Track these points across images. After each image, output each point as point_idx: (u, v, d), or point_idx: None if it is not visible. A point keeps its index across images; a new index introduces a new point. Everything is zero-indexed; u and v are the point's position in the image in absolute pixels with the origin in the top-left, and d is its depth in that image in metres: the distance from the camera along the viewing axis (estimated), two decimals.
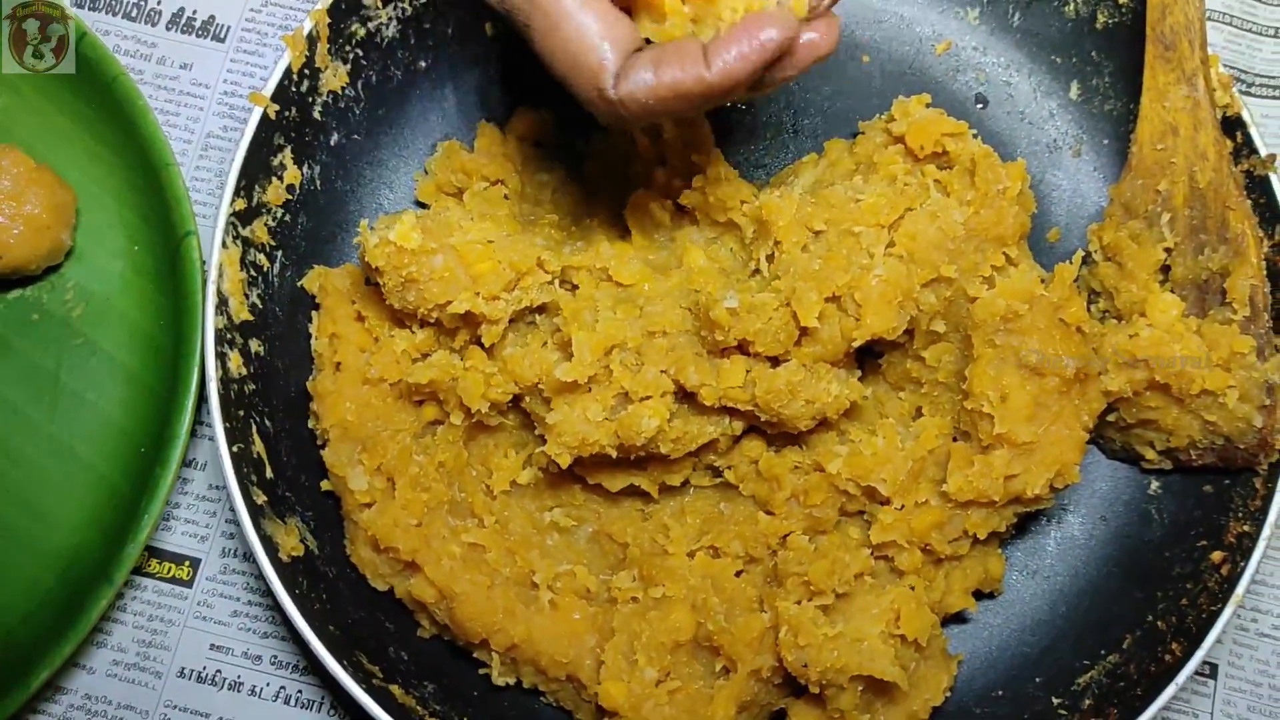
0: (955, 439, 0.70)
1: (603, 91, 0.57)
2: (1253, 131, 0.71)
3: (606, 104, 0.57)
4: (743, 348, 0.67)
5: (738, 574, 0.69)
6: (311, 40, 0.71)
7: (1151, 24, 0.70)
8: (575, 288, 0.71)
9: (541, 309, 0.70)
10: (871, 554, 0.69)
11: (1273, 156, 0.70)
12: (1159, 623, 0.69)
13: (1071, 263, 0.68)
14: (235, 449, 0.66)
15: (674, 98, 0.56)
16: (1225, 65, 0.82)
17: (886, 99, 0.76)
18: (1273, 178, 0.70)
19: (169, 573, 0.75)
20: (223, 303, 0.68)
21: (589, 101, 0.58)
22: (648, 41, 0.58)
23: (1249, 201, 0.70)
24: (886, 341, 0.69)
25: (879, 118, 0.76)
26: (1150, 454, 0.72)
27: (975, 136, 0.73)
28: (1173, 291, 0.70)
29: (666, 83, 0.56)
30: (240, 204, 0.69)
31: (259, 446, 0.68)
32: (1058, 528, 0.75)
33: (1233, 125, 0.71)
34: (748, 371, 0.67)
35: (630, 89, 0.57)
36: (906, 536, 0.68)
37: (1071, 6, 0.77)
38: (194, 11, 0.82)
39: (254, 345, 0.70)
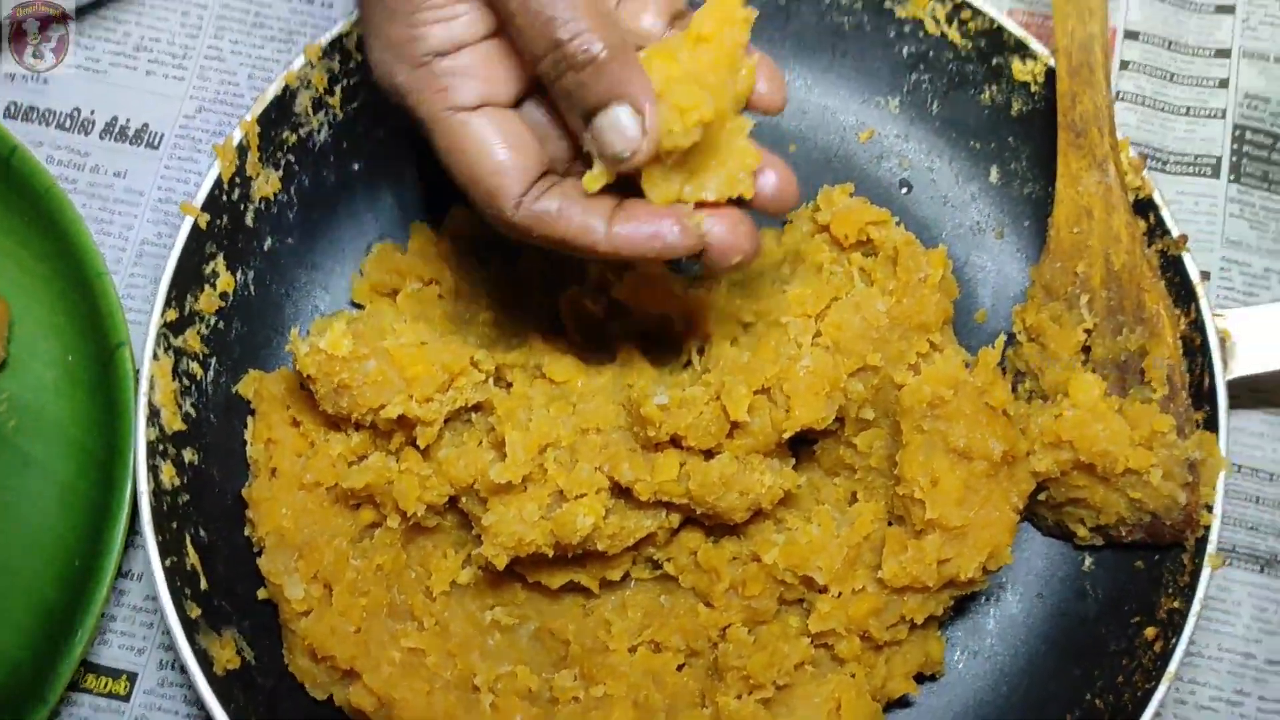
0: (890, 523, 0.71)
1: (500, 213, 0.58)
2: (1164, 213, 0.73)
3: (505, 224, 0.58)
4: (676, 442, 0.67)
5: (679, 668, 0.70)
6: (242, 149, 0.72)
7: (1062, 112, 0.73)
8: (510, 385, 0.71)
9: (477, 407, 0.70)
10: (811, 643, 0.69)
11: (1184, 237, 0.72)
12: (1097, 700, 0.70)
13: (994, 347, 0.70)
14: (168, 563, 0.65)
15: (564, 242, 0.58)
16: (1140, 145, 0.85)
17: (814, 187, 0.78)
18: (1186, 257, 0.72)
19: (105, 688, 0.74)
20: (154, 414, 0.68)
21: (487, 218, 0.59)
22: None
23: (1163, 282, 0.72)
24: (819, 429, 0.70)
25: (806, 206, 0.77)
26: (1082, 531, 0.73)
27: (899, 224, 0.75)
28: (1094, 371, 0.72)
29: (562, 227, 0.58)
30: (172, 315, 0.69)
31: (193, 558, 0.68)
32: (996, 606, 0.76)
33: (1145, 207, 0.73)
34: (682, 465, 0.67)
35: (529, 216, 0.58)
36: (845, 624, 0.69)
37: (987, 95, 0.79)
38: (127, 120, 0.83)
39: (188, 455, 0.70)
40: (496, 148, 0.57)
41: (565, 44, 0.54)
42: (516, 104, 0.60)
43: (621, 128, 0.54)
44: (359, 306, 0.78)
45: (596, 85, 0.54)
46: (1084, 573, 0.75)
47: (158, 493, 0.67)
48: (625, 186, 0.58)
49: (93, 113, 0.83)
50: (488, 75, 0.58)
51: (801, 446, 0.74)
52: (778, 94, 0.61)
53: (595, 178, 0.56)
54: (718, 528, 0.71)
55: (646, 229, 0.57)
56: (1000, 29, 0.76)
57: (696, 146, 0.56)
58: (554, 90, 0.56)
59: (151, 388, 0.68)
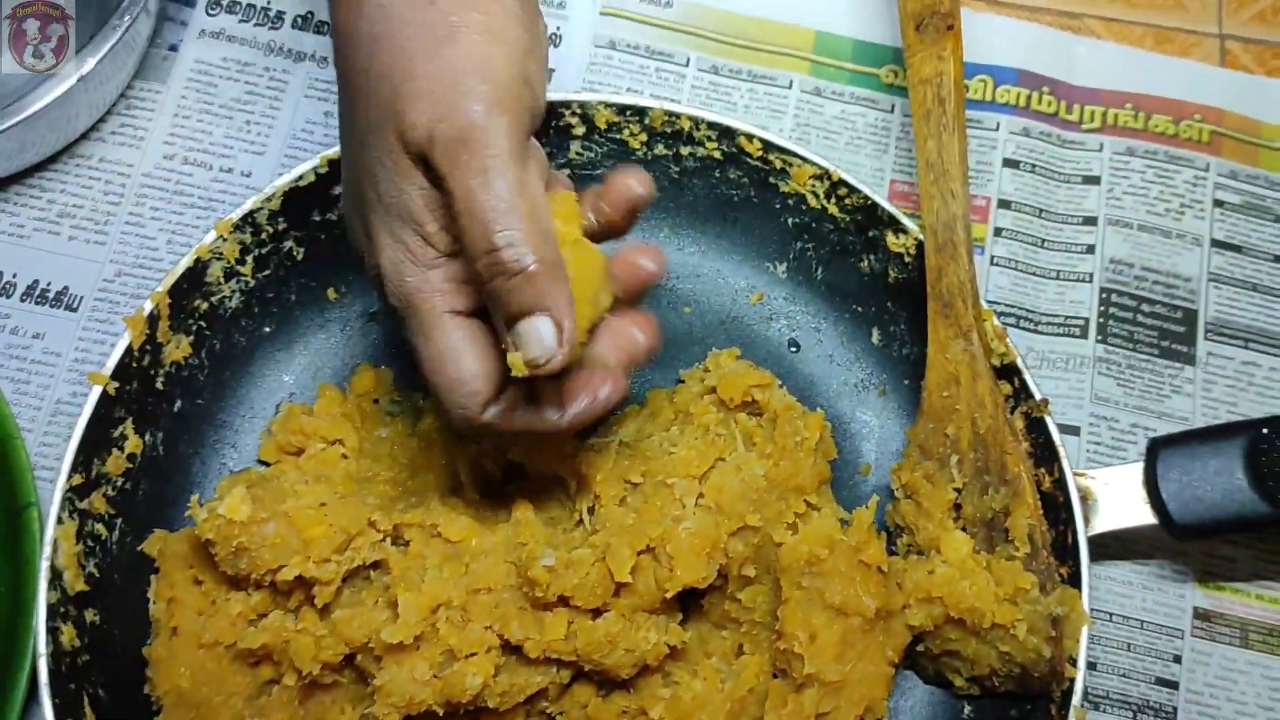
0: (775, 676, 0.73)
1: (469, 417, 0.62)
2: (1027, 377, 0.78)
3: (468, 425, 0.63)
4: (564, 601, 0.70)
5: None
6: (153, 319, 0.75)
7: (930, 284, 0.78)
8: (407, 544, 0.74)
9: (375, 565, 0.73)
10: None
11: (1045, 400, 0.77)
12: None
13: (868, 507, 0.73)
14: None
15: (529, 432, 0.64)
16: (1013, 306, 0.90)
17: (706, 347, 0.83)
18: (1048, 418, 0.77)
19: None
20: (57, 577, 0.70)
21: (455, 420, 0.63)
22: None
23: (1025, 444, 0.76)
24: (702, 587, 0.73)
25: (697, 367, 0.82)
26: (959, 681, 0.76)
27: (781, 388, 0.79)
28: (965, 529, 0.76)
29: (524, 420, 0.63)
30: (78, 479, 0.72)
31: (90, 719, 0.69)
32: None
33: (1010, 372, 0.78)
34: (570, 624, 0.70)
35: (493, 417, 0.62)
36: None
37: (866, 263, 0.84)
38: (48, 283, 0.86)
39: (89, 615, 0.72)
40: (477, 357, 0.61)
41: (499, 251, 0.57)
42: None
43: (541, 337, 0.58)
44: (266, 464, 0.80)
45: (523, 294, 0.58)
46: (964, 719, 0.78)
47: (56, 655, 0.69)
48: None
49: (15, 276, 0.86)
50: (466, 290, 0.62)
51: (690, 600, 0.77)
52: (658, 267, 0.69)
53: (517, 368, 0.60)
54: (607, 682, 0.73)
55: (588, 400, 0.64)
56: (874, 205, 0.82)
57: None
58: (485, 290, 0.60)
59: (55, 551, 0.70)
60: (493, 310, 0.61)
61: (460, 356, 0.61)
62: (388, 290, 0.63)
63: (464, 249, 0.59)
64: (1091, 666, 0.81)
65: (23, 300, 0.85)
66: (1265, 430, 0.74)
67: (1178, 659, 0.82)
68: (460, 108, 0.57)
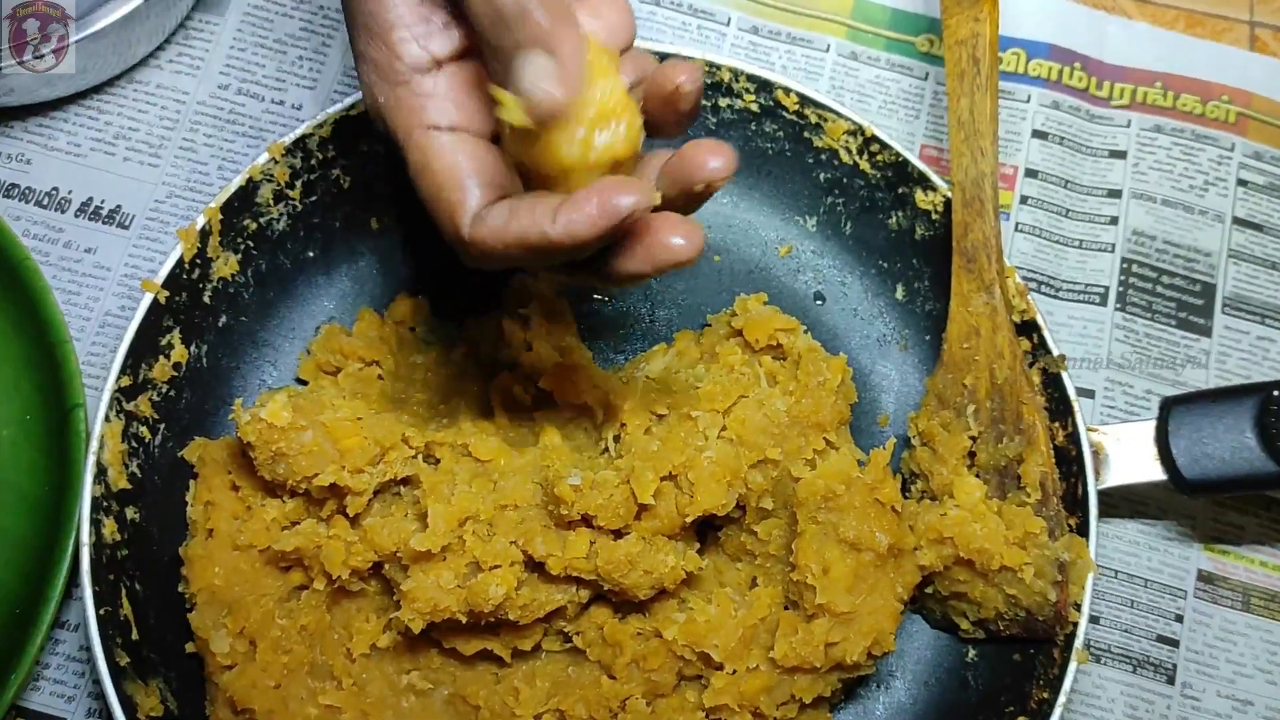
0: (786, 607, 0.76)
1: (458, 229, 0.59)
2: (1046, 334, 0.80)
3: (460, 242, 0.60)
4: (587, 521, 0.72)
5: None
6: (204, 234, 0.78)
7: (956, 239, 0.80)
8: (437, 462, 0.76)
9: (406, 481, 0.76)
10: (706, 717, 0.74)
11: (1062, 356, 0.79)
12: None
13: (885, 448, 0.76)
14: (103, 611, 0.70)
15: (519, 247, 0.58)
16: (1035, 272, 0.92)
17: (734, 295, 0.85)
18: (1064, 375, 0.79)
19: None
20: (102, 472, 0.73)
21: (448, 238, 0.61)
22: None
23: (1041, 396, 0.78)
24: (722, 516, 0.75)
25: (725, 312, 0.84)
26: (965, 624, 0.78)
27: (807, 332, 0.81)
28: (977, 475, 0.78)
29: (514, 232, 0.57)
30: (126, 381, 0.75)
31: (127, 609, 0.72)
32: (885, 693, 0.80)
33: (1029, 328, 0.80)
34: (591, 543, 0.72)
35: (481, 232, 0.59)
36: (737, 700, 0.73)
37: (894, 219, 0.87)
38: (102, 201, 0.89)
39: (130, 512, 0.75)
40: (460, 167, 0.59)
41: (498, 2, 0.54)
42: (495, 141, 0.62)
43: (538, 71, 0.54)
44: (304, 383, 0.83)
45: (521, 31, 0.54)
46: (967, 664, 0.80)
47: (98, 545, 0.72)
48: None
49: (70, 193, 0.89)
50: (462, 102, 0.61)
51: (708, 532, 0.79)
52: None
53: (508, 106, 0.55)
54: (624, 604, 0.75)
55: (595, 202, 0.55)
56: (905, 162, 0.84)
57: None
58: (493, 57, 0.57)
59: (101, 447, 0.73)
60: (491, 66, 0.57)
61: (440, 168, 0.59)
62: (369, 113, 0.62)
63: (473, 24, 0.57)
64: (1095, 621, 0.83)
65: (77, 216, 0.88)
66: (1276, 393, 0.76)
67: (1179, 618, 0.84)
68: None
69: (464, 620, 0.71)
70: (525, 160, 0.59)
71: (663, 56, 0.85)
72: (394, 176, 0.69)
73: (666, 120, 0.60)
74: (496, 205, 0.59)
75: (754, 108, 0.87)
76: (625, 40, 0.62)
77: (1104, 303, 0.92)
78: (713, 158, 0.58)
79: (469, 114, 0.61)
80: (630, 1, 0.96)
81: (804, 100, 0.85)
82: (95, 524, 0.72)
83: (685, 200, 0.60)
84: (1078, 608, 0.74)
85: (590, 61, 0.56)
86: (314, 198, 0.83)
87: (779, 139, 0.88)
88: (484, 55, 0.58)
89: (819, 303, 0.89)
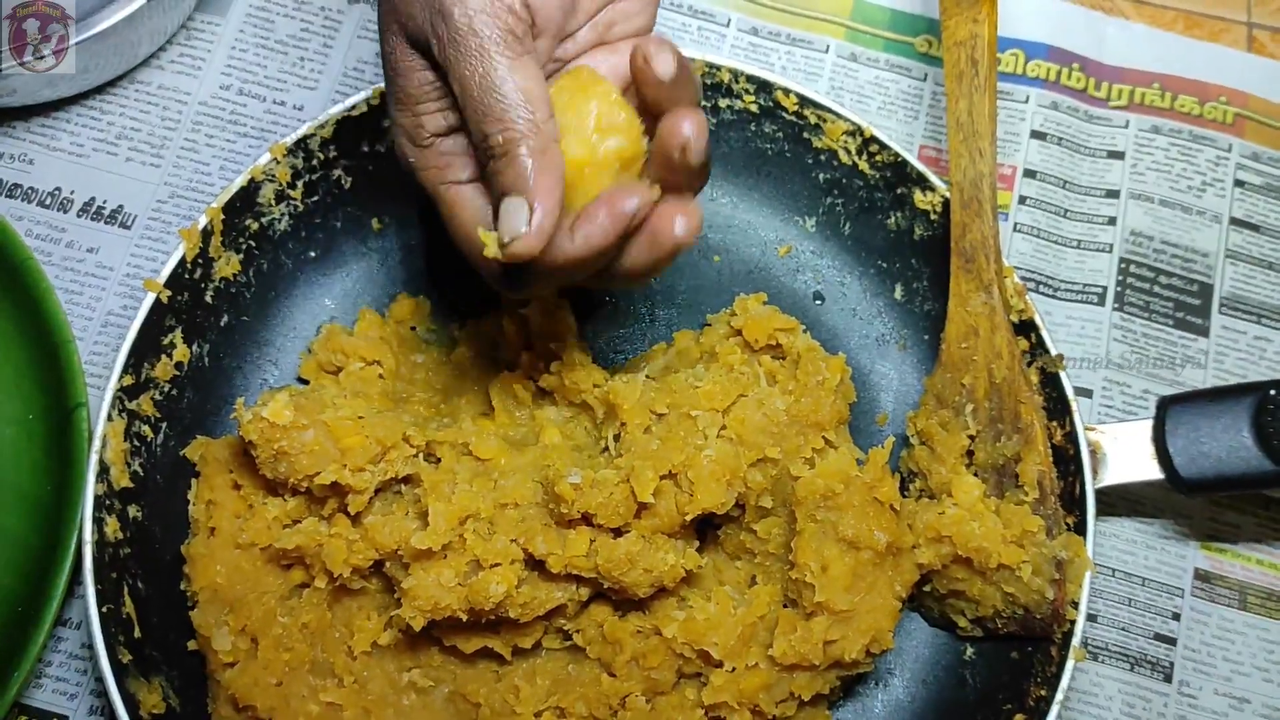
0: (785, 606, 0.76)
1: (489, 265, 0.64)
2: (1044, 333, 0.80)
3: (493, 275, 0.66)
4: (588, 520, 0.73)
5: None
6: (206, 234, 0.79)
7: (954, 239, 0.80)
8: (438, 461, 0.77)
9: (407, 479, 0.76)
10: (705, 715, 0.74)
11: (1060, 356, 0.79)
12: None
13: (884, 447, 0.76)
14: (105, 610, 0.70)
15: (547, 269, 0.63)
16: (1034, 272, 0.93)
17: (734, 294, 0.85)
18: (1062, 374, 0.79)
19: None
20: (104, 471, 0.73)
21: (485, 274, 0.66)
22: None
23: (1039, 396, 0.79)
24: (722, 515, 0.76)
25: (724, 311, 0.85)
26: (963, 622, 0.79)
27: (806, 332, 0.82)
28: (975, 474, 0.78)
29: (550, 254, 0.62)
30: (129, 380, 0.75)
31: (129, 607, 0.72)
32: (884, 691, 0.81)
33: (1027, 328, 0.81)
34: (591, 542, 0.72)
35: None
36: (737, 698, 0.73)
37: (893, 220, 0.87)
38: (104, 201, 0.89)
39: (132, 511, 0.75)
40: (483, 212, 0.65)
41: (489, 137, 0.61)
42: None
43: (509, 217, 0.60)
44: (305, 382, 0.83)
45: (505, 176, 0.61)
46: (965, 661, 0.80)
47: (100, 544, 0.72)
48: None
49: (72, 193, 0.89)
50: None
51: (708, 531, 0.80)
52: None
53: (489, 245, 0.62)
54: (624, 602, 0.76)
55: (605, 212, 0.62)
56: (904, 163, 0.85)
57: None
58: (484, 169, 0.63)
59: (103, 446, 0.73)
60: (490, 192, 0.64)
61: (466, 217, 0.65)
62: (403, 169, 0.68)
63: (468, 135, 0.63)
64: (1092, 619, 0.84)
65: (79, 216, 0.89)
66: (1273, 392, 0.76)
67: (1177, 617, 0.84)
68: (444, 11, 0.61)
69: (464, 618, 0.71)
70: None
71: None
72: (395, 177, 0.70)
73: (678, 181, 0.65)
74: None
75: (753, 108, 0.87)
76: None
77: (1102, 302, 0.92)
78: (686, 123, 0.63)
79: (463, 171, 0.66)
80: None
81: (803, 101, 0.86)
82: (98, 522, 0.72)
83: (672, 174, 0.64)
84: (1075, 606, 0.75)
85: (585, 83, 0.64)
86: (315, 198, 0.84)
87: (778, 140, 0.88)
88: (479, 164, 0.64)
89: (818, 302, 0.89)
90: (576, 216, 0.63)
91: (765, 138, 0.88)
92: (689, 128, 0.62)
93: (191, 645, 0.74)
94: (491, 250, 0.61)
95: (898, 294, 0.88)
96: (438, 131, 0.65)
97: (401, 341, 0.84)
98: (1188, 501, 0.86)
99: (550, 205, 0.60)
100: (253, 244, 0.82)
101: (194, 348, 0.80)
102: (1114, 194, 0.95)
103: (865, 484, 0.75)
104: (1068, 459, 0.78)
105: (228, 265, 0.81)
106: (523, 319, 0.82)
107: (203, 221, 0.78)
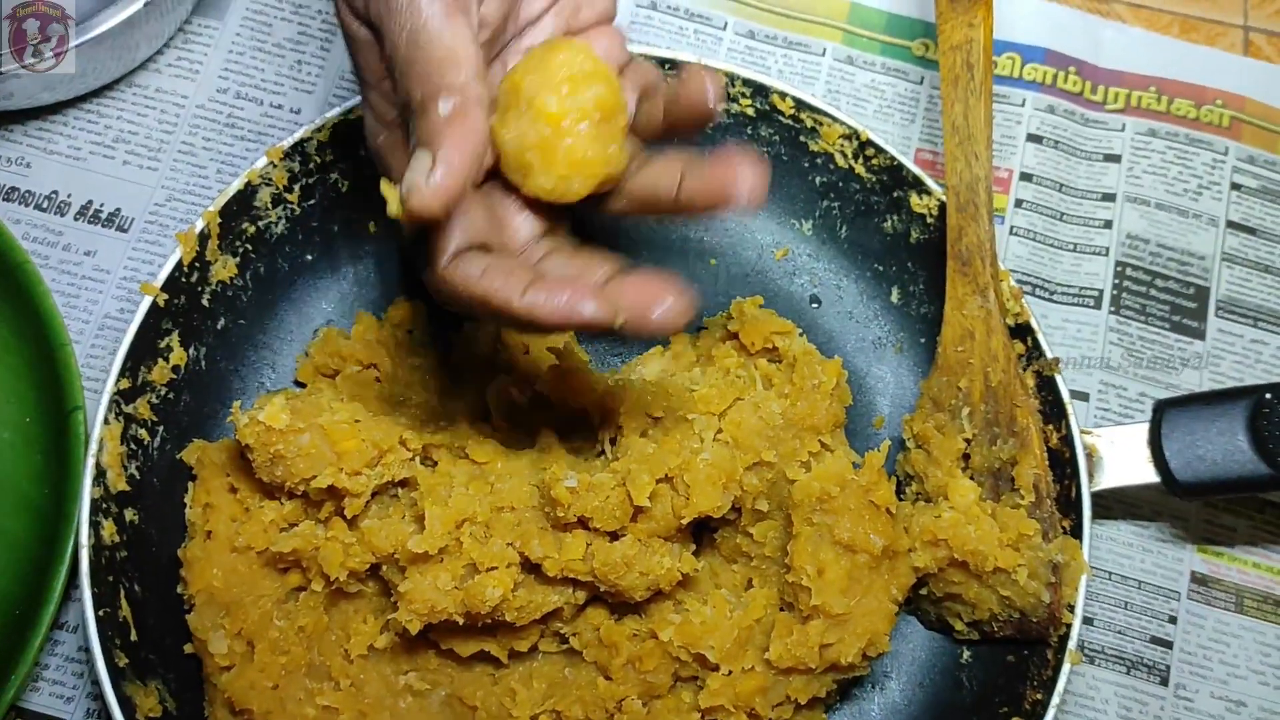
0: (781, 609, 0.76)
1: (434, 268, 0.62)
2: (1040, 337, 0.80)
3: (435, 281, 0.63)
4: (584, 523, 0.73)
5: None
6: (203, 237, 0.79)
7: (950, 243, 0.81)
8: (435, 464, 0.77)
9: (404, 483, 0.76)
10: (701, 718, 0.74)
11: (1056, 360, 0.79)
12: None
13: (880, 450, 0.76)
14: (102, 613, 0.70)
15: (481, 304, 0.61)
16: (1030, 275, 0.93)
17: (730, 298, 0.85)
18: (1058, 378, 0.79)
19: None
20: (101, 475, 0.73)
21: (425, 275, 0.64)
22: None
23: (1035, 399, 0.79)
24: (718, 518, 0.76)
25: (721, 315, 0.85)
26: (960, 625, 0.79)
27: (802, 335, 0.82)
28: (971, 478, 0.78)
29: (481, 288, 0.61)
30: (125, 383, 0.75)
31: (126, 611, 0.72)
32: (880, 694, 0.81)
33: (1023, 331, 0.81)
34: (588, 545, 0.72)
35: (453, 274, 0.62)
36: (733, 701, 0.73)
37: (889, 223, 0.87)
38: (101, 204, 0.89)
39: (129, 514, 0.75)
40: None
41: (412, 94, 0.59)
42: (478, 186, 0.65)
43: (413, 169, 0.57)
44: (302, 385, 0.84)
45: (420, 130, 0.58)
46: (961, 665, 0.80)
47: (97, 547, 0.72)
48: None
49: (69, 196, 0.89)
50: None
51: (704, 534, 0.80)
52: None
53: (391, 201, 0.59)
54: (621, 605, 0.76)
55: (561, 297, 0.60)
56: (900, 167, 0.85)
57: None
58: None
59: (100, 449, 0.73)
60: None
61: None
62: (370, 153, 0.66)
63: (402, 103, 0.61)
64: (1089, 622, 0.84)
65: (76, 219, 0.89)
66: (1268, 395, 0.76)
67: (1173, 620, 0.84)
68: None
69: (461, 621, 0.71)
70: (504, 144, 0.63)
71: (661, 61, 0.86)
72: None
73: (686, 125, 0.65)
74: (475, 254, 0.62)
75: (750, 112, 0.87)
76: (618, 63, 0.67)
77: (1098, 306, 0.92)
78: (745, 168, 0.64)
79: None
80: (627, 5, 0.97)
81: (800, 104, 0.86)
82: (94, 526, 0.72)
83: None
84: (1071, 609, 0.75)
85: (555, 44, 0.63)
86: (312, 201, 0.84)
87: (775, 143, 0.88)
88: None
89: (814, 306, 0.89)
90: (535, 279, 0.60)
91: (762, 141, 0.88)
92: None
93: (188, 648, 0.74)
94: (394, 207, 0.58)
95: (894, 297, 0.88)
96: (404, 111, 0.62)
97: (398, 345, 0.84)
98: (1184, 505, 0.86)
99: (456, 162, 0.57)
100: (249, 247, 0.82)
101: (191, 351, 0.80)
102: (1110, 197, 0.95)
103: (861, 487, 0.75)
104: (1064, 462, 0.78)
105: (225, 269, 0.81)
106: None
107: (200, 225, 0.78)
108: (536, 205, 0.66)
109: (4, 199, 0.89)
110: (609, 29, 0.67)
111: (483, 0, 0.62)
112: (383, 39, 0.60)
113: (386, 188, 0.58)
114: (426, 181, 0.56)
